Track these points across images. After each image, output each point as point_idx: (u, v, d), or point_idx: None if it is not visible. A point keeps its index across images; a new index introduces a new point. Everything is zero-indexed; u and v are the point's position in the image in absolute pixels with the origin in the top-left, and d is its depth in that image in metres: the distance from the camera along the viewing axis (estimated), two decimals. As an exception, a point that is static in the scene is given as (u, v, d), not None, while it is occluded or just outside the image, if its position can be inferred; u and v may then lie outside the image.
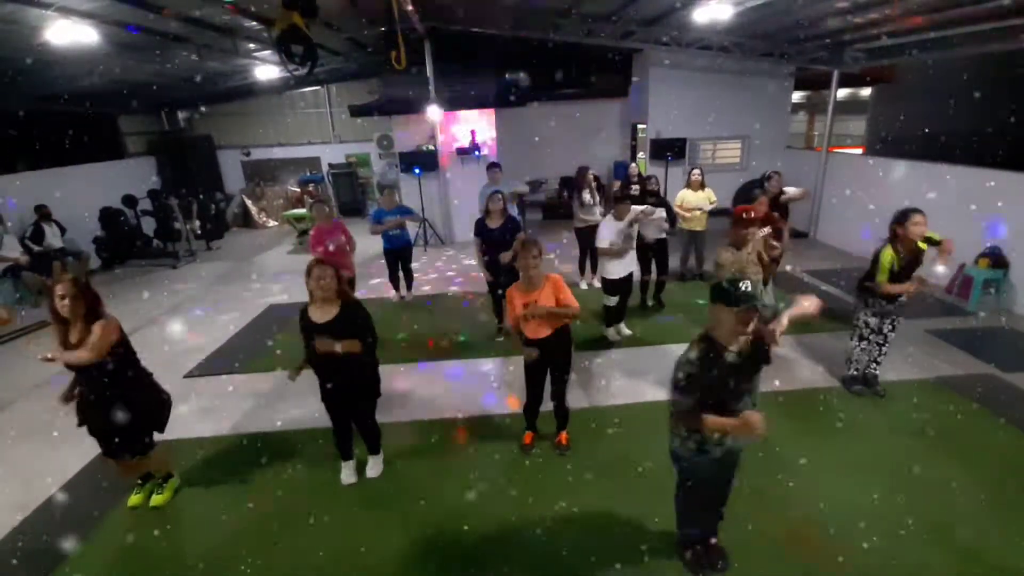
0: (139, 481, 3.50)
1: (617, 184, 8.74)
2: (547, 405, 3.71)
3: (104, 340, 2.92)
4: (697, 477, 2.52)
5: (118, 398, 3.04)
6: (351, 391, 3.24)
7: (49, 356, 2.89)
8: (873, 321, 4.06)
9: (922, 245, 3.76)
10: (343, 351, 2.98)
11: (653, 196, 6.04)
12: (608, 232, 4.96)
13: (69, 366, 2.93)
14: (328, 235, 5.41)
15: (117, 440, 3.16)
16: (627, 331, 5.59)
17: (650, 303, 6.38)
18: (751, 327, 2.13)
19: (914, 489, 3.24)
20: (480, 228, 5.25)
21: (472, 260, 8.58)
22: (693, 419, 2.21)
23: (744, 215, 4.01)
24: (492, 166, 6.92)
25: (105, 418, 3.05)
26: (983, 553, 2.78)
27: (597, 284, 5.88)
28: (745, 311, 2.06)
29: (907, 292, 3.76)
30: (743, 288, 2.07)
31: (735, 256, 4.11)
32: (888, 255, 3.74)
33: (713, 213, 6.97)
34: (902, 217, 3.73)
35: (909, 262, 3.76)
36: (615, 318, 5.45)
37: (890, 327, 4.09)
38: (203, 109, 12.55)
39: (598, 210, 6.49)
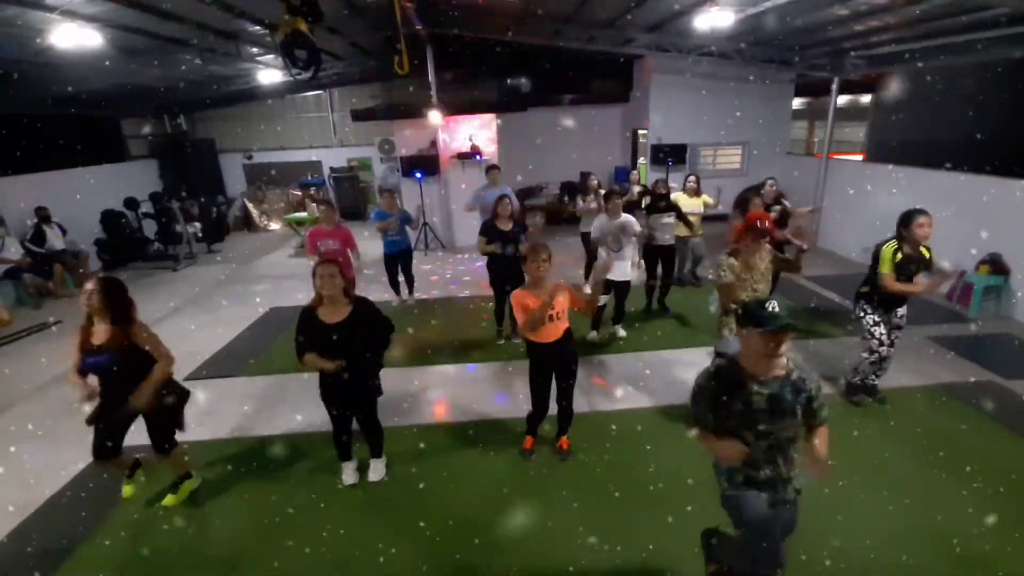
0: (127, 473, 3.49)
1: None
2: (552, 407, 3.69)
3: (156, 340, 3.13)
4: (753, 519, 2.16)
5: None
6: (357, 388, 3.22)
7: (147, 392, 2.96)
8: (879, 331, 3.94)
9: (925, 252, 3.75)
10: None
11: (663, 200, 6.03)
12: (598, 227, 5.15)
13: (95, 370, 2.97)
14: (324, 238, 5.40)
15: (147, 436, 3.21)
16: (622, 332, 5.63)
17: (655, 307, 6.38)
18: (782, 350, 2.00)
19: (915, 497, 3.23)
20: (488, 229, 5.21)
21: (472, 264, 8.60)
22: (699, 431, 2.11)
23: (759, 223, 3.63)
24: (491, 167, 6.96)
25: (125, 418, 3.10)
26: (985, 563, 2.77)
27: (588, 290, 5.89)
28: (773, 332, 1.95)
29: (917, 291, 3.72)
30: (770, 308, 1.98)
31: (742, 265, 3.78)
32: (890, 247, 3.72)
33: (712, 218, 6.96)
34: (907, 219, 3.70)
35: (916, 264, 3.73)
36: (598, 321, 5.55)
37: (894, 337, 4.01)
38: (206, 112, 12.59)
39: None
